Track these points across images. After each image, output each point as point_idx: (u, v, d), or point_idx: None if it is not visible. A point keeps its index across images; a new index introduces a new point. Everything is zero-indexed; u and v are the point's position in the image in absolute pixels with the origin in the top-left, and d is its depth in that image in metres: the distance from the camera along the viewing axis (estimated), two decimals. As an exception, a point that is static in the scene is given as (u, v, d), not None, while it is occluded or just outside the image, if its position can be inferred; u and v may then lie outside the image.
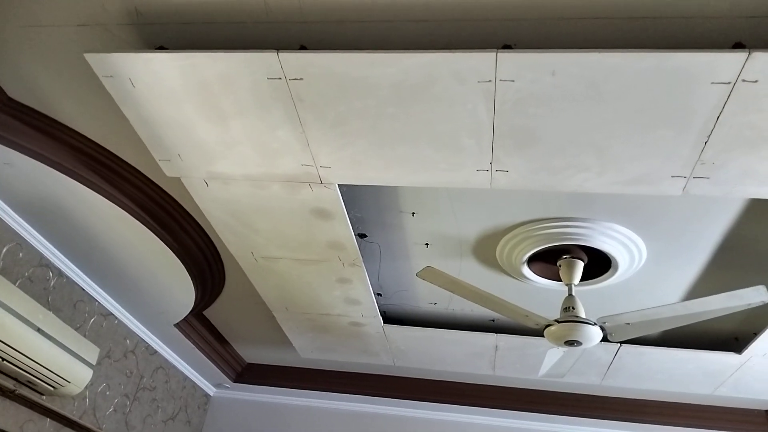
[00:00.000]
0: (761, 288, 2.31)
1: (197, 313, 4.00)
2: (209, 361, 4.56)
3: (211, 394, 5.24)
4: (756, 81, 1.71)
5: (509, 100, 1.89)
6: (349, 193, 2.67)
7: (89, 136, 2.57)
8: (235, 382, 4.99)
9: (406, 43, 1.92)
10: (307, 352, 4.19)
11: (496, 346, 3.69)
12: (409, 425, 4.89)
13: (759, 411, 4.43)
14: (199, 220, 3.04)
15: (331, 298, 3.35)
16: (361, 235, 3.00)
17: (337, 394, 4.87)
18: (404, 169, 2.24)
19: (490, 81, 1.83)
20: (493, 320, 3.67)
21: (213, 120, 2.15)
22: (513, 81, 1.83)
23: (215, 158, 2.34)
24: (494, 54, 1.75)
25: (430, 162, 2.19)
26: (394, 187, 2.64)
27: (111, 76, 2.03)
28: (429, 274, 2.54)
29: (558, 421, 4.66)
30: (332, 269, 3.04)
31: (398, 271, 3.30)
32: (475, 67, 1.79)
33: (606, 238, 2.73)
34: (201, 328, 4.18)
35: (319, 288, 3.26)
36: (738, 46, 1.73)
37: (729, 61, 1.67)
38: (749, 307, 2.40)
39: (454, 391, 4.64)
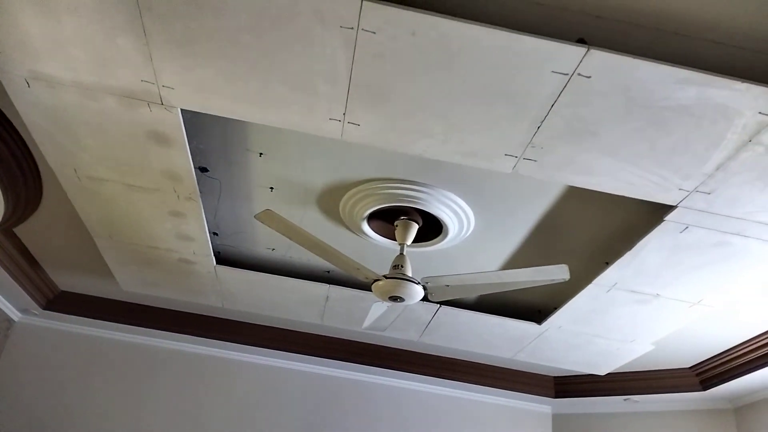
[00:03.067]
0: (564, 267, 2.57)
1: (6, 229, 3.58)
2: (15, 284, 4.13)
3: (16, 319, 4.78)
4: (590, 77, 1.87)
5: (369, 52, 1.88)
6: (194, 121, 2.52)
7: None
8: (45, 309, 4.58)
9: (272, -29, 1.82)
10: (129, 285, 3.96)
11: (327, 297, 3.77)
12: (231, 368, 4.87)
13: (548, 377, 5.02)
14: (16, 124, 2.70)
15: (161, 230, 3.17)
16: (201, 169, 2.86)
17: (158, 331, 4.69)
18: (255, 104, 2.15)
19: (352, 28, 1.81)
20: (329, 272, 3.73)
21: (41, 11, 1.89)
22: (374, 33, 1.82)
23: (40, 56, 2.07)
24: (359, 1, 1.72)
25: (282, 101, 2.12)
26: (244, 123, 2.53)
27: None
28: (267, 217, 2.49)
29: (376, 373, 4.92)
30: (165, 200, 2.87)
31: (238, 212, 3.21)
32: (338, 11, 1.75)
33: (441, 205, 2.87)
34: (9, 246, 3.76)
35: (149, 219, 3.07)
36: (581, 41, 1.87)
37: (570, 54, 1.80)
38: (553, 282, 2.66)
39: (280, 337, 4.68)
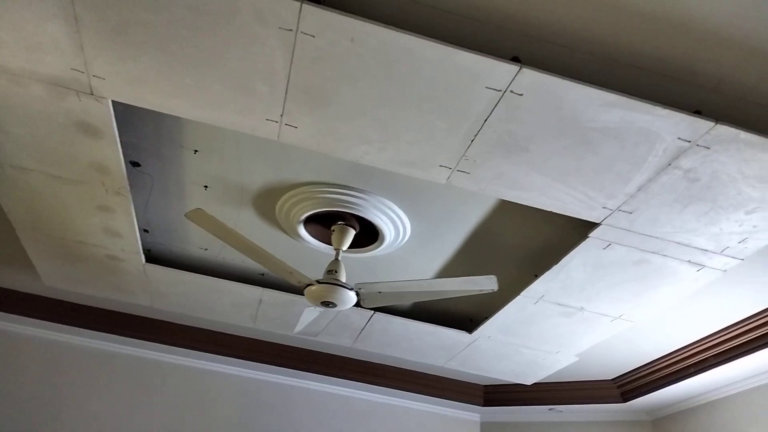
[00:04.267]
0: (492, 278, 2.63)
1: None
2: (-75, 275, 3.89)
3: (-77, 313, 4.48)
4: (522, 95, 1.92)
5: (308, 55, 1.88)
6: (126, 113, 2.44)
7: None
8: (-42, 302, 4.32)
9: (213, -34, 1.80)
10: (52, 280, 3.79)
11: (261, 300, 3.71)
12: (159, 370, 4.72)
13: (479, 386, 5.11)
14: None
15: (88, 225, 3.05)
16: (133, 163, 2.77)
17: (82, 329, 4.49)
18: (190, 100, 2.11)
19: (291, 30, 1.80)
20: (263, 274, 3.68)
21: (-37, -12, 1.80)
22: (314, 37, 1.82)
23: (-39, 36, 1.97)
24: (299, 3, 1.72)
25: (218, 99, 2.09)
26: (179, 119, 2.47)
27: None
28: (198, 216, 2.44)
29: (309, 378, 4.87)
30: (93, 194, 2.76)
31: (171, 210, 3.13)
32: (278, 12, 1.75)
33: (378, 212, 2.88)
34: None
35: (75, 212, 2.95)
36: (515, 59, 1.92)
37: (503, 71, 1.85)
38: (482, 292, 2.72)
39: (211, 339, 4.57)
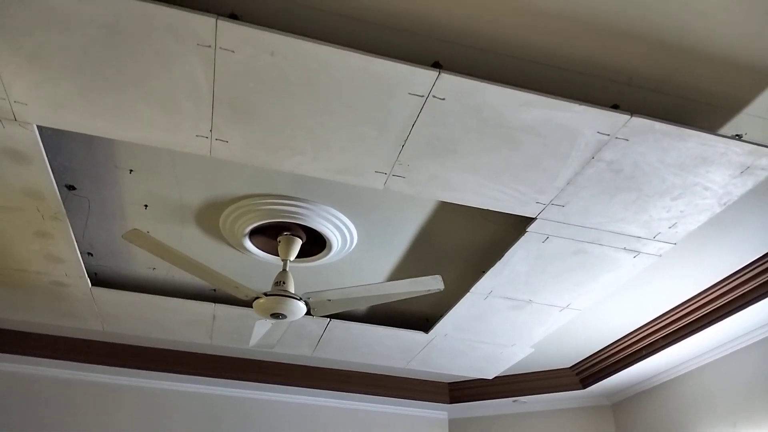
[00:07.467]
0: (438, 277, 2.67)
1: None
2: None
3: None
4: (444, 99, 1.96)
5: (229, 70, 1.89)
6: (56, 137, 2.40)
7: None
8: None
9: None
10: (-2, 311, 3.69)
11: (214, 316, 3.68)
12: (118, 394, 4.62)
13: (443, 383, 5.16)
14: None
15: (27, 252, 2.98)
16: (69, 187, 2.72)
17: (33, 358, 4.38)
18: (115, 120, 2.09)
19: (210, 47, 1.80)
20: (215, 290, 3.65)
21: None
22: (233, 52, 1.82)
23: None
24: (214, 20, 1.72)
25: (144, 118, 2.07)
26: (110, 140, 2.45)
27: None
28: (135, 236, 2.42)
29: (272, 390, 4.84)
30: (29, 220, 2.71)
31: (113, 232, 3.08)
32: (194, 29, 1.75)
33: (323, 221, 2.90)
34: None
35: (12, 240, 2.88)
36: (436, 65, 1.96)
37: (423, 77, 1.89)
38: (429, 292, 2.76)
39: (169, 359, 4.51)
